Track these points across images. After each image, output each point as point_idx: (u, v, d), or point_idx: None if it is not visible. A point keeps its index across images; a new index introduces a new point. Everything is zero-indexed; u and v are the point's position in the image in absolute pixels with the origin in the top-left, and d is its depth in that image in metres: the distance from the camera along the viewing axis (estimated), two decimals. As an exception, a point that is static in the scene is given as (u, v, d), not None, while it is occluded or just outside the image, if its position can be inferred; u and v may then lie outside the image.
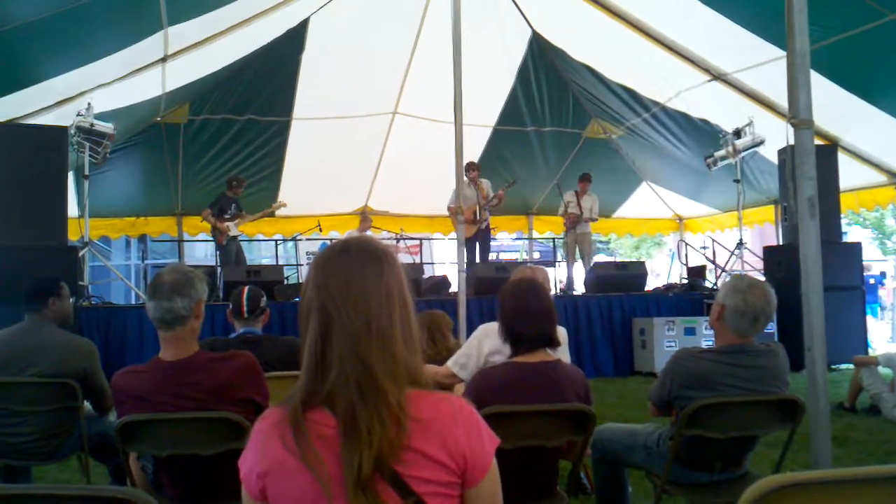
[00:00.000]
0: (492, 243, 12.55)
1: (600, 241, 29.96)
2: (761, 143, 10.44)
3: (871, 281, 17.00)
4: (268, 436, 1.46)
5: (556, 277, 11.96)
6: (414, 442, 1.42)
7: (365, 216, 13.32)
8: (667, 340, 9.19)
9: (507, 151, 13.12)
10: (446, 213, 11.51)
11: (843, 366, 8.93)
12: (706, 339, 9.08)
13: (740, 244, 11.39)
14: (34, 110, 8.29)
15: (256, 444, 1.49)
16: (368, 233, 12.60)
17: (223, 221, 10.74)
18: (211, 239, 12.32)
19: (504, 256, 24.16)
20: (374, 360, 1.45)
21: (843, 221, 11.62)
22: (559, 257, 13.47)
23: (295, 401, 1.47)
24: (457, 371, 3.77)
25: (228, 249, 10.86)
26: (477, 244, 11.15)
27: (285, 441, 1.43)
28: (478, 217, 11.02)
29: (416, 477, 1.42)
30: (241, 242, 11.68)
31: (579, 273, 11.93)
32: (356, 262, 1.53)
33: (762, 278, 10.35)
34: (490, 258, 12.14)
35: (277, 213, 11.65)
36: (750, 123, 10.41)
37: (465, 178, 9.05)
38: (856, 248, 10.36)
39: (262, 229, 12.87)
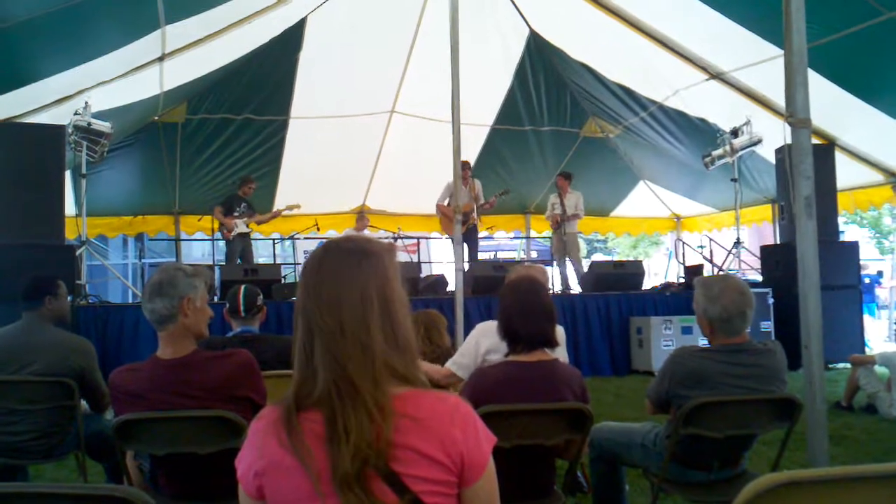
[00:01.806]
0: (489, 242, 12.52)
1: (598, 241, 30.02)
2: (759, 142, 10.44)
3: (867, 280, 17.01)
4: (264, 435, 1.47)
5: (553, 276, 11.95)
6: (411, 440, 1.43)
7: (362, 215, 13.31)
8: (664, 339, 9.20)
9: (504, 151, 13.12)
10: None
11: (840, 365, 8.94)
12: (703, 338, 9.06)
13: (737, 243, 11.41)
14: (31, 109, 8.27)
15: (253, 442, 1.49)
16: (365, 231, 12.60)
17: (231, 219, 10.76)
18: (208, 238, 12.33)
19: (501, 255, 24.17)
20: (349, 361, 1.46)
21: (841, 220, 11.62)
22: (557, 256, 13.48)
23: (288, 401, 1.48)
24: (455, 370, 3.78)
25: (233, 247, 10.89)
26: (465, 243, 11.14)
27: (281, 440, 1.44)
28: (472, 217, 11.03)
29: (412, 475, 1.42)
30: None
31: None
32: (333, 263, 1.54)
33: (760, 277, 10.39)
34: (488, 257, 12.12)
35: (287, 213, 11.54)
36: (747, 122, 10.42)
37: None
38: (853, 246, 10.38)
39: (259, 228, 12.87)
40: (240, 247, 10.96)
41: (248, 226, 11.01)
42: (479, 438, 1.50)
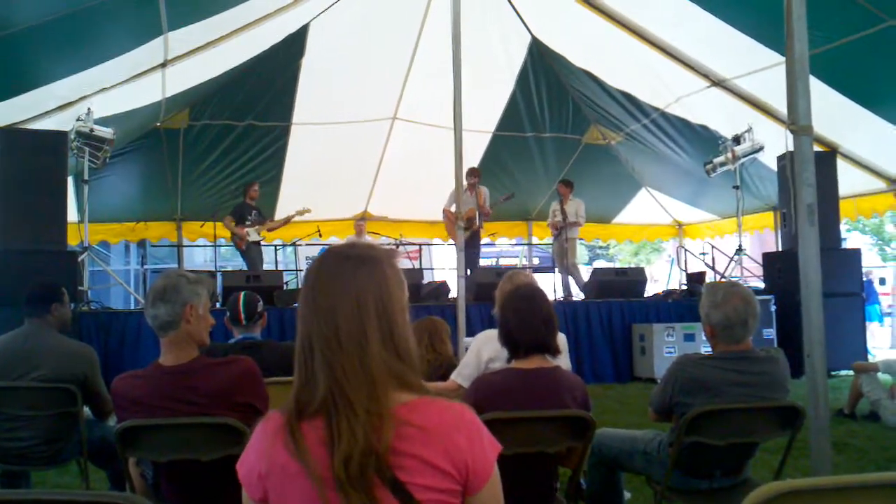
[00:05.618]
0: (491, 249, 12.46)
1: (599, 247, 30.02)
2: (760, 149, 10.45)
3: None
4: (271, 439, 1.47)
5: (554, 283, 11.94)
6: (416, 449, 1.42)
7: (357, 224, 13.24)
8: (666, 346, 9.18)
9: (506, 157, 13.12)
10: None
11: (843, 372, 8.92)
12: (705, 345, 9.01)
13: (739, 250, 11.40)
14: (34, 115, 8.29)
15: (258, 445, 1.50)
16: (366, 237, 12.57)
17: (243, 227, 10.74)
18: (211, 244, 12.31)
19: (503, 262, 24.13)
20: (343, 370, 1.45)
21: (843, 227, 11.61)
22: (558, 263, 13.44)
23: (290, 408, 1.48)
24: (461, 383, 3.77)
25: (250, 256, 10.87)
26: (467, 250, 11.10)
27: (287, 446, 1.44)
28: (476, 224, 11.04)
29: (417, 484, 1.42)
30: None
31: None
32: (328, 271, 1.53)
33: (762, 284, 10.38)
34: (488, 264, 12.08)
35: (297, 218, 11.51)
36: (749, 129, 10.42)
37: (463, 184, 9.04)
38: (855, 254, 10.36)
39: (261, 234, 12.86)
40: (255, 254, 10.94)
41: (259, 234, 10.97)
42: (484, 446, 1.49)
